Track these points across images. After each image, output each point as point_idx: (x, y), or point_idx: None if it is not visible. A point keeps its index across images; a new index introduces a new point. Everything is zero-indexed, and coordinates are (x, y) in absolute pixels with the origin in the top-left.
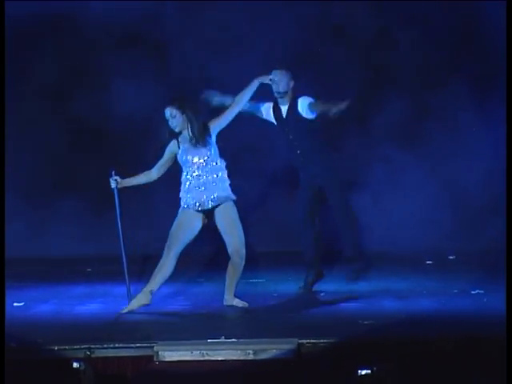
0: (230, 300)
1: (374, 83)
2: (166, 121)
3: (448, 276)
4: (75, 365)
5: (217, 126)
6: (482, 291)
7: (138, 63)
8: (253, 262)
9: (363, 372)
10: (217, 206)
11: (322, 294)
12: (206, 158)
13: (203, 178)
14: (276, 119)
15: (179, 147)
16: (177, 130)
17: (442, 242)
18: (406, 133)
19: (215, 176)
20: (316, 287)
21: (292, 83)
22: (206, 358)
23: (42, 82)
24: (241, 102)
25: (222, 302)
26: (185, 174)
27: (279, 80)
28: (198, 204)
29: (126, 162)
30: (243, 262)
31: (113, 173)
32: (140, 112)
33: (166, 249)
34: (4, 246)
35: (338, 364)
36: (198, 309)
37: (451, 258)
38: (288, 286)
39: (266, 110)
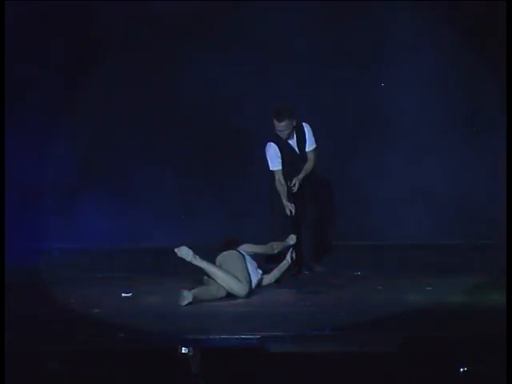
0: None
1: None
2: None
3: None
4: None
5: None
6: None
7: None
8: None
9: (464, 369)
10: None
11: (429, 289)
12: None
13: None
14: (285, 156)
15: None
16: None
17: None
18: None
19: None
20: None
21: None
22: (310, 349)
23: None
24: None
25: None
26: None
27: (286, 129)
28: None
29: None
30: None
31: None
32: None
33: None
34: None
35: (440, 360)
36: (302, 301)
37: None
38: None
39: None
